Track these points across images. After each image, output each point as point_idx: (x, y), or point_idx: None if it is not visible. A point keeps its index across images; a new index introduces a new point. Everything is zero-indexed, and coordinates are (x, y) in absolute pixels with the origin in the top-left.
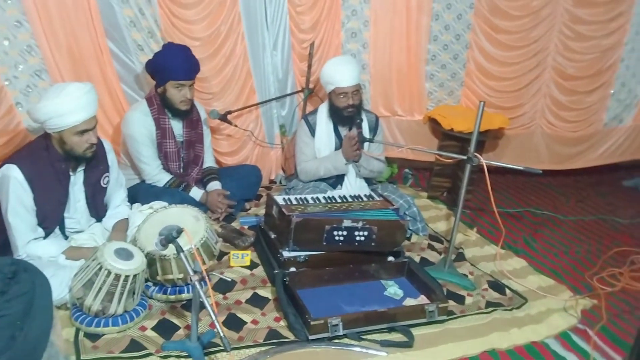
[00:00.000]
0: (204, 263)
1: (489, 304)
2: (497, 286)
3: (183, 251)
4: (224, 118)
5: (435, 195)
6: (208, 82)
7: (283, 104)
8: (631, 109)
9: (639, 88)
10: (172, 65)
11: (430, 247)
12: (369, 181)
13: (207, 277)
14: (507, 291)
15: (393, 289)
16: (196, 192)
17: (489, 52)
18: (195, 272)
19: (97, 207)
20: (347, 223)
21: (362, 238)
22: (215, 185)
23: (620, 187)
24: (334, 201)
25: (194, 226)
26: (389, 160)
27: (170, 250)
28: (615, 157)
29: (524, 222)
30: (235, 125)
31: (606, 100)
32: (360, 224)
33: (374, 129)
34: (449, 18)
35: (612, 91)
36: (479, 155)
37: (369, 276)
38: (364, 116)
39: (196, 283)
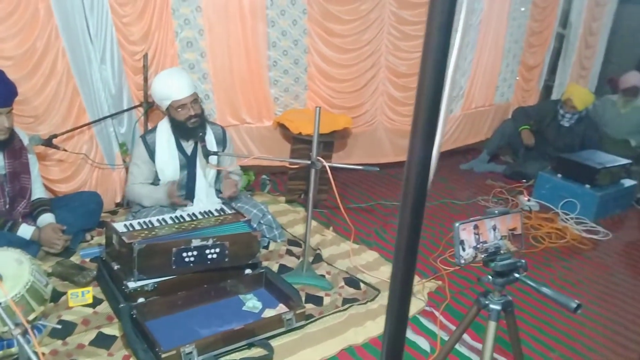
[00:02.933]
0: (32, 310)
1: (345, 301)
2: (352, 282)
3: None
4: (48, 143)
5: (292, 198)
6: (28, 104)
7: (121, 121)
8: (459, 100)
9: (463, 80)
10: None
11: (289, 252)
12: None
13: (30, 329)
14: (362, 285)
15: (252, 303)
16: (25, 230)
17: (327, 55)
18: (16, 324)
19: None
20: (196, 243)
21: (215, 255)
22: (47, 218)
23: (458, 171)
24: (182, 221)
25: (16, 271)
26: (245, 169)
27: None
28: (449, 144)
29: (375, 215)
30: (64, 150)
31: None
32: (210, 242)
33: (222, 141)
34: (285, 24)
35: None
36: (321, 159)
37: (226, 293)
38: (209, 129)
39: (19, 337)
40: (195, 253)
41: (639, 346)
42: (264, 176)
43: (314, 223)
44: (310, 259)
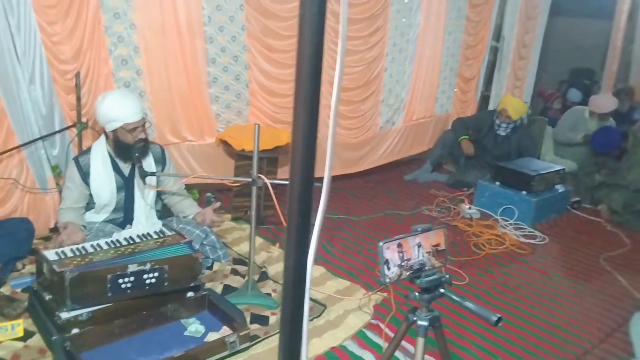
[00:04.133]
0: None
1: None
2: None
3: None
4: None
5: (238, 215)
6: None
7: (53, 143)
8: (400, 112)
9: (404, 92)
10: None
11: (234, 271)
12: (163, 214)
13: None
14: None
15: (194, 327)
16: None
17: (268, 71)
18: None
19: None
20: (132, 268)
21: (153, 280)
22: None
23: (403, 181)
24: (119, 245)
25: None
26: (189, 187)
27: None
28: (393, 155)
29: (322, 230)
30: None
31: (378, 106)
32: (148, 266)
33: (161, 161)
34: (223, 40)
35: (382, 98)
36: (262, 176)
37: (167, 318)
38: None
39: None
40: (132, 279)
41: (574, 346)
42: (208, 194)
43: (260, 240)
44: (256, 277)
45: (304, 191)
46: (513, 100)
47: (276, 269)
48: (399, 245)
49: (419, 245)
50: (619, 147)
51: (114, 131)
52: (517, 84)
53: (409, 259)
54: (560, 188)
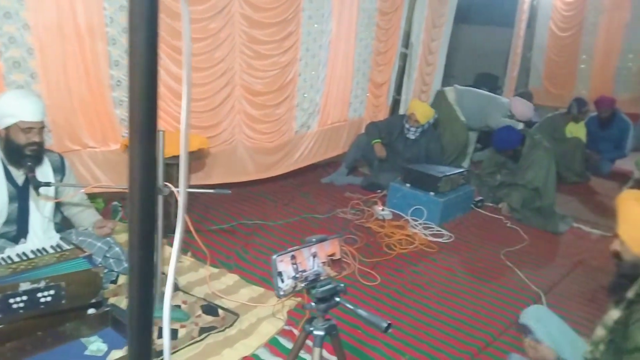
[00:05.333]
0: None
1: (202, 330)
2: (210, 309)
3: None
4: None
5: None
6: None
7: None
8: (315, 116)
9: (318, 97)
10: None
11: None
12: (63, 227)
13: None
14: (220, 311)
15: (95, 345)
16: None
17: (177, 74)
18: None
19: None
20: (25, 286)
21: (49, 299)
22: None
23: (320, 185)
24: (10, 262)
25: None
26: (93, 196)
27: None
28: (309, 159)
29: (237, 236)
30: None
31: (293, 110)
32: (42, 284)
33: (60, 170)
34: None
35: (296, 102)
36: (169, 185)
37: (66, 338)
38: (45, 157)
39: None
40: (24, 298)
41: (477, 340)
42: (115, 203)
43: (169, 249)
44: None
45: (144, 199)
46: (421, 105)
47: (187, 279)
48: (293, 257)
49: (314, 256)
50: (517, 147)
51: (7, 129)
52: (424, 89)
53: (303, 270)
54: (464, 188)
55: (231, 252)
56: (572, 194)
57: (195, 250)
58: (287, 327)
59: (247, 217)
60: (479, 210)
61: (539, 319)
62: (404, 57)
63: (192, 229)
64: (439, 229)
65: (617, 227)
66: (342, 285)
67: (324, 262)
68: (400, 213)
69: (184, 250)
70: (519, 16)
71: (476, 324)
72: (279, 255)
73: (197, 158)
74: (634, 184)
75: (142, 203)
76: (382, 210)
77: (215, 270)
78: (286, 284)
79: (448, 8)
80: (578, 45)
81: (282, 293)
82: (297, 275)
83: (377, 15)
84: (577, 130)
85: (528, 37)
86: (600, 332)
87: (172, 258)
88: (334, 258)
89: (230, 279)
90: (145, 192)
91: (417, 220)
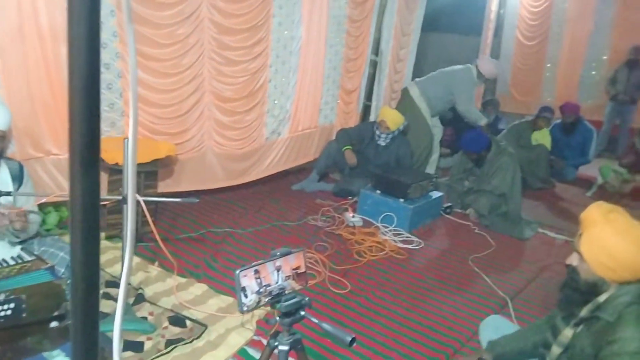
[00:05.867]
0: None
1: (169, 343)
2: (177, 320)
3: None
4: None
5: (113, 233)
6: None
7: None
8: (286, 123)
9: (289, 104)
10: None
11: (107, 295)
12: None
13: None
14: (188, 322)
15: None
16: None
17: (145, 80)
18: None
19: None
20: None
21: (9, 312)
22: None
23: (291, 192)
24: None
25: None
26: (57, 205)
27: None
28: (280, 166)
29: (206, 244)
30: None
31: (263, 117)
32: (2, 297)
33: (18, 178)
34: None
35: (266, 109)
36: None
37: (28, 352)
38: (3, 165)
39: None
40: None
41: (445, 346)
42: None
43: (137, 259)
44: (131, 300)
45: (86, 206)
46: (391, 112)
47: (154, 289)
48: (257, 272)
49: (279, 270)
50: (482, 152)
51: None
52: (393, 96)
53: (267, 285)
54: (434, 194)
55: (200, 261)
56: (538, 199)
57: (162, 260)
58: (256, 338)
59: (217, 225)
60: (448, 216)
61: (497, 328)
62: (374, 64)
63: (157, 237)
64: (409, 235)
65: (578, 241)
66: (306, 299)
67: (288, 276)
68: (371, 220)
69: (151, 260)
70: (486, 25)
71: (445, 331)
72: (242, 270)
73: (165, 165)
74: (598, 189)
75: (83, 211)
76: (353, 217)
77: (183, 280)
78: (250, 299)
79: (415, 16)
80: (543, 54)
81: (245, 308)
82: (261, 290)
83: (346, 23)
84: (542, 138)
85: (495, 46)
86: (555, 350)
87: (123, 270)
88: (299, 271)
89: (199, 288)
90: (86, 199)
91: (387, 227)
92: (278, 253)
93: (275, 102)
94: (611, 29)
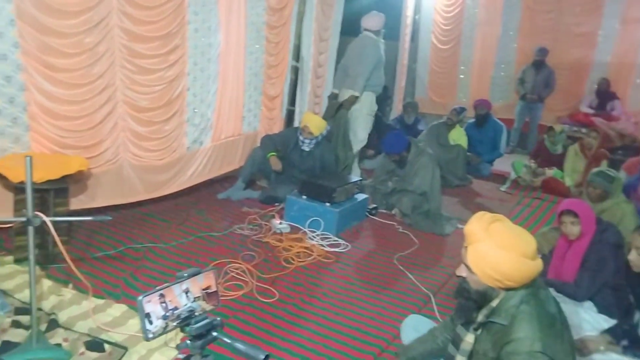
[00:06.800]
0: None
1: None
2: (95, 345)
3: None
4: None
5: (23, 257)
6: None
7: None
8: (208, 131)
9: (210, 112)
10: None
11: (16, 324)
12: None
13: None
14: (106, 346)
15: None
16: None
17: (51, 92)
18: None
19: None
20: None
21: None
22: None
23: (216, 201)
24: None
25: None
26: None
27: None
28: (204, 175)
29: (125, 262)
30: None
31: (183, 126)
32: None
33: None
34: None
35: (186, 117)
36: (40, 214)
37: None
38: None
39: None
40: None
41: (372, 347)
42: None
43: (48, 283)
44: (43, 327)
45: None
46: (313, 118)
47: (68, 313)
48: (162, 296)
49: (187, 292)
50: (402, 153)
51: None
52: (316, 100)
53: (175, 308)
54: (359, 197)
55: (118, 281)
56: (456, 196)
57: (77, 282)
58: (180, 356)
59: (137, 241)
60: (374, 217)
61: (416, 328)
62: (295, 70)
63: (67, 257)
64: (336, 238)
65: (465, 254)
66: (218, 319)
67: (198, 297)
68: (298, 225)
69: (64, 282)
70: (403, 30)
71: (372, 331)
72: (145, 296)
73: (77, 181)
74: (511, 183)
75: None
76: (280, 223)
77: (101, 301)
78: (155, 325)
79: (333, 22)
80: (457, 57)
81: (150, 336)
82: (168, 315)
83: (265, 29)
84: (459, 137)
85: (413, 50)
86: (460, 359)
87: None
88: (209, 291)
89: (117, 309)
90: None
91: (314, 232)
92: (185, 274)
93: (196, 110)
94: (518, 32)
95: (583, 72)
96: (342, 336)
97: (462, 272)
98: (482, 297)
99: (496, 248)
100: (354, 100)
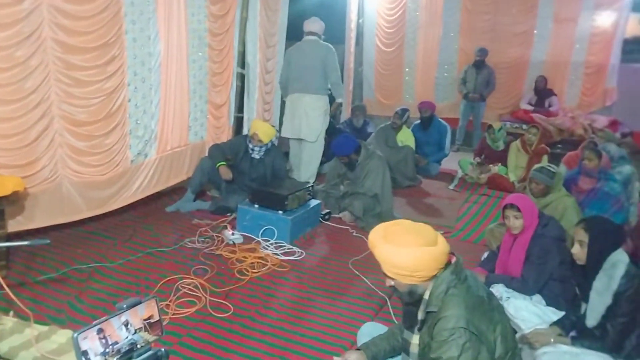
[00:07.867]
0: None
1: None
2: None
3: None
4: None
5: None
6: None
7: None
8: (152, 143)
9: (153, 123)
10: None
11: None
12: None
13: None
14: None
15: None
16: None
17: None
18: None
19: None
20: None
21: None
22: None
23: (165, 214)
24: None
25: None
26: None
27: None
28: (150, 189)
29: (69, 284)
30: None
31: (126, 138)
32: None
33: None
34: None
35: (129, 130)
36: None
37: None
38: None
39: None
40: None
41: (330, 355)
42: None
43: None
44: None
45: None
46: (262, 125)
47: (10, 343)
48: (100, 331)
49: (127, 324)
50: (352, 155)
51: None
52: (266, 107)
53: (115, 343)
54: (312, 203)
55: (63, 305)
56: (407, 196)
57: (19, 309)
58: None
59: (81, 261)
60: (327, 223)
61: (372, 335)
62: (241, 77)
63: (3, 283)
64: (290, 246)
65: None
66: (162, 350)
67: (139, 328)
68: (251, 235)
69: (4, 310)
70: (348, 34)
71: (329, 339)
72: (80, 333)
73: (12, 202)
74: (459, 181)
75: None
76: (233, 234)
77: (44, 328)
78: None
79: (278, 28)
80: (402, 59)
81: None
82: (107, 350)
83: (208, 36)
84: (407, 138)
85: (358, 53)
86: None
87: None
88: (151, 321)
89: (63, 336)
90: None
91: (268, 241)
92: (124, 306)
93: (138, 122)
94: (458, 34)
95: (521, 70)
96: (300, 347)
97: (388, 282)
98: (412, 296)
99: (393, 248)
100: (337, 107)
